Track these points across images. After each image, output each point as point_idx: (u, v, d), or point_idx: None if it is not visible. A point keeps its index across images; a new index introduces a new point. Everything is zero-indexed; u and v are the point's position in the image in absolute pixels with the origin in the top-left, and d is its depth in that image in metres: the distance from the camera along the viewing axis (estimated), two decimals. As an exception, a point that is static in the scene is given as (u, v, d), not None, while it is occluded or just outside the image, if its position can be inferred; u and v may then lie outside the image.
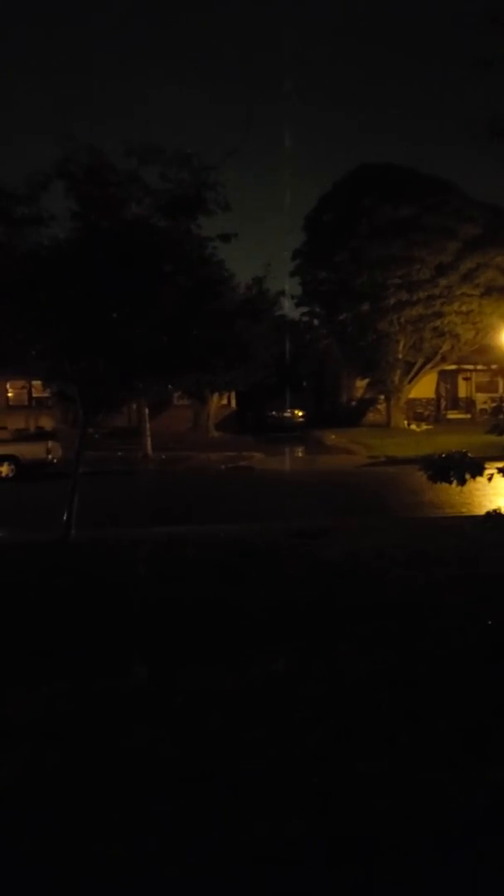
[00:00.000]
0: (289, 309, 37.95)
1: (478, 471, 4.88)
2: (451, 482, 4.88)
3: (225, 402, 38.02)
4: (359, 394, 38.46)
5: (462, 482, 4.87)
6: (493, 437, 5.37)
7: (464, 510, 12.54)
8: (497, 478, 5.26)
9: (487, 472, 4.99)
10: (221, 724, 3.94)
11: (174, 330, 9.90)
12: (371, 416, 37.17)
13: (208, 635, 5.52)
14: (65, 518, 10.18)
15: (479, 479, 5.04)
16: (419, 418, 36.93)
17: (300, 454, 27.73)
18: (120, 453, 25.80)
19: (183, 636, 5.50)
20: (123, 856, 2.84)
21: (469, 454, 5.18)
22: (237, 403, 39.05)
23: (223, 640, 5.36)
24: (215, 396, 34.72)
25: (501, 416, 5.35)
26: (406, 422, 35.45)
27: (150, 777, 3.42)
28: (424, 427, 34.49)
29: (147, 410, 27.03)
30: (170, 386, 21.43)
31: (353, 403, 38.56)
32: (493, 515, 5.07)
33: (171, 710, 4.14)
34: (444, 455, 4.97)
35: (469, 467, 4.84)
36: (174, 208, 9.60)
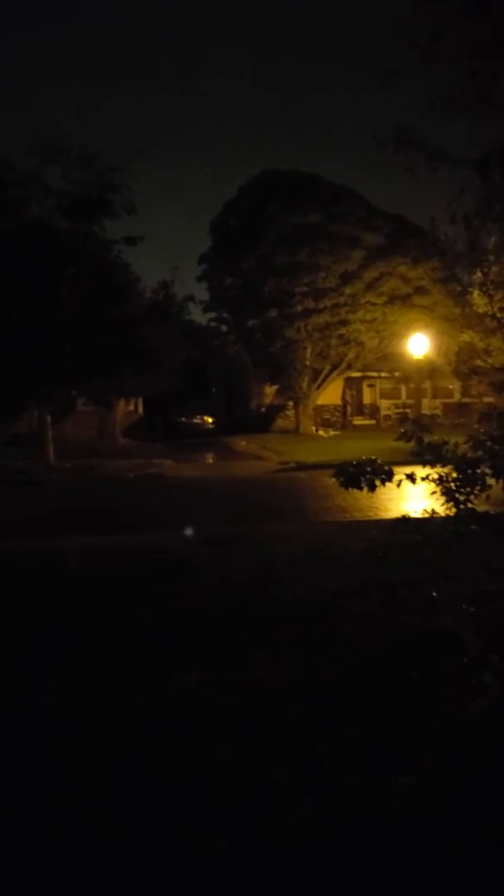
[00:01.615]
0: (197, 314, 37.96)
1: (388, 477, 4.93)
2: (361, 488, 4.91)
3: (132, 408, 37.51)
4: (268, 400, 38.81)
5: (372, 489, 4.91)
6: (397, 443, 5.45)
7: (371, 514, 12.76)
8: (404, 482, 5.33)
9: (397, 477, 5.04)
10: (134, 742, 3.79)
11: (78, 334, 9.64)
12: (280, 422, 37.57)
13: (118, 651, 5.33)
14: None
15: (387, 484, 5.10)
16: (327, 424, 37.62)
17: (211, 461, 27.65)
18: (20, 462, 24.89)
19: (91, 653, 5.29)
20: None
21: (378, 460, 5.24)
22: (145, 409, 38.61)
23: (134, 655, 5.19)
24: (122, 402, 34.18)
25: (409, 424, 5.47)
26: (314, 428, 36.01)
27: (58, 801, 3.23)
28: (332, 433, 35.13)
29: (49, 417, 26.23)
30: (74, 392, 20.89)
31: (263, 409, 38.88)
32: (402, 520, 5.13)
33: (81, 730, 3.96)
34: (355, 462, 4.99)
35: (380, 474, 4.88)
36: (77, 210, 9.37)
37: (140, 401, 37.69)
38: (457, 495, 5.05)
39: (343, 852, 2.82)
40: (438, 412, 37.60)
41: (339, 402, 39.82)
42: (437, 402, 38.78)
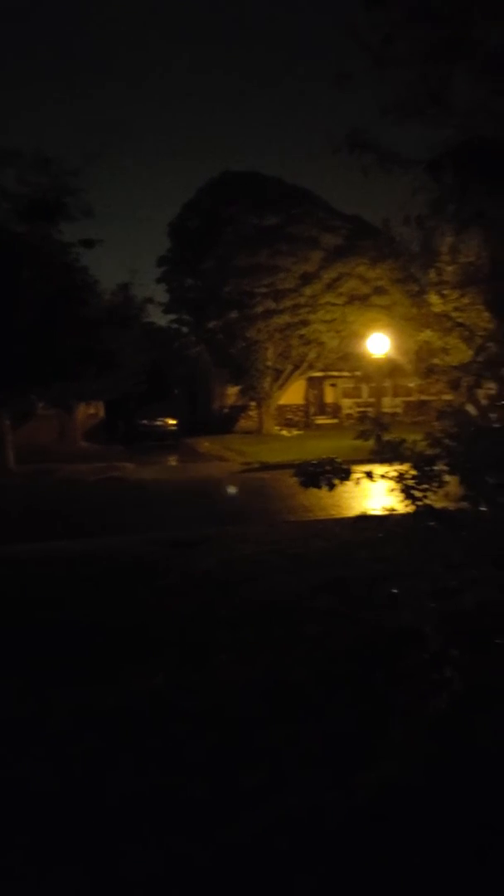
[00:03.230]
0: (157, 316, 37.78)
1: (346, 476, 4.98)
2: (321, 487, 4.96)
3: (93, 411, 37.19)
4: (231, 401, 38.81)
5: (331, 487, 4.97)
6: (358, 442, 5.51)
7: (334, 513, 12.86)
8: (364, 480, 5.39)
9: (355, 475, 5.10)
10: (100, 745, 3.77)
11: (36, 337, 9.54)
12: (243, 423, 37.60)
13: (82, 655, 5.29)
14: None
15: (347, 482, 5.16)
16: (289, 424, 37.75)
17: (173, 463, 27.54)
18: (-20, 467, 24.53)
19: (56, 657, 5.24)
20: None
21: (338, 459, 5.29)
22: (107, 412, 38.30)
23: (98, 658, 5.16)
24: (83, 406, 33.87)
25: (367, 423, 5.54)
26: (277, 427, 36.11)
27: (26, 807, 3.20)
28: (295, 432, 35.26)
29: (8, 421, 25.87)
30: (33, 396, 20.65)
31: (226, 410, 38.86)
32: (363, 518, 5.20)
33: (46, 733, 3.93)
34: (314, 462, 5.04)
35: (337, 473, 4.93)
36: (33, 213, 9.27)
37: (101, 404, 37.38)
38: (414, 492, 5.13)
39: (305, 849, 2.85)
40: (399, 410, 38.03)
41: (301, 401, 40.00)
42: (399, 400, 39.20)
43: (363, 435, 5.15)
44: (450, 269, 19.53)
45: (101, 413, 38.15)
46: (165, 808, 3.18)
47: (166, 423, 41.20)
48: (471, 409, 5.90)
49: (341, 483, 5.00)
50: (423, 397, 33.25)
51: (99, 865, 2.83)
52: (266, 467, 22.18)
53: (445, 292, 21.43)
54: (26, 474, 24.04)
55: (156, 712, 4.18)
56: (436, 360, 25.92)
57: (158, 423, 40.81)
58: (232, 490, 9.61)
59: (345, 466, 5.14)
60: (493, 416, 5.87)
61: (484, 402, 6.01)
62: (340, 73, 6.93)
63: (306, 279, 32.39)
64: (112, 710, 4.20)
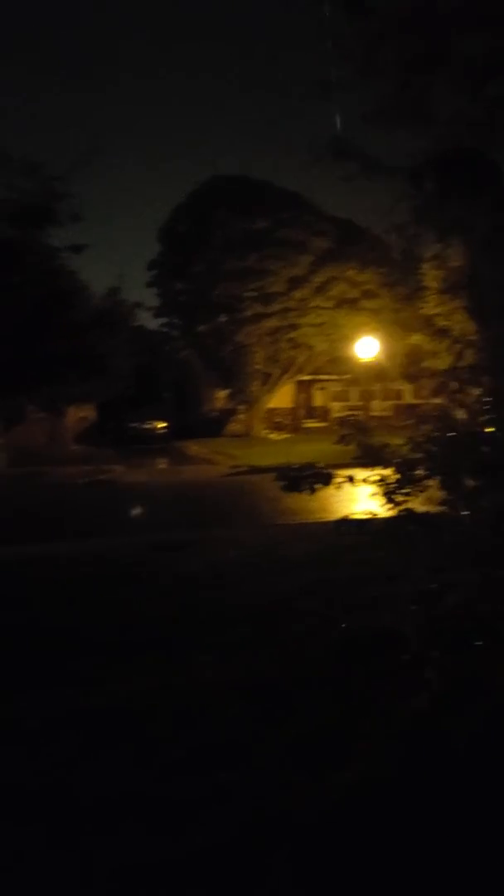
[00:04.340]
0: (147, 320, 37.78)
1: (327, 481, 5.05)
2: (302, 492, 5.03)
3: (84, 414, 37.20)
4: (220, 404, 38.87)
5: (312, 492, 5.03)
6: (345, 446, 5.57)
7: (319, 516, 12.92)
8: (347, 484, 5.46)
9: (336, 480, 5.17)
10: (77, 745, 3.83)
11: (24, 342, 9.58)
12: (232, 427, 37.64)
13: (64, 656, 5.34)
14: None
15: (329, 487, 5.22)
16: (278, 427, 37.83)
17: (162, 466, 27.59)
18: (-30, 471, 24.55)
19: (37, 660, 5.29)
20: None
21: (321, 463, 5.35)
22: (97, 416, 38.30)
23: (80, 660, 5.21)
24: (73, 409, 33.87)
25: (348, 427, 5.63)
26: (266, 431, 36.19)
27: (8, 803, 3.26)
28: (284, 436, 35.36)
29: None
30: (23, 400, 20.66)
31: (215, 414, 38.92)
32: (345, 521, 5.26)
33: (24, 735, 3.98)
34: (296, 467, 5.11)
35: (318, 478, 5.00)
36: (21, 218, 9.31)
37: (93, 407, 37.39)
38: (395, 496, 5.19)
39: (278, 849, 2.91)
40: (389, 413, 38.18)
41: (290, 405, 40.10)
42: (388, 403, 39.35)
43: (344, 439, 5.22)
44: (433, 274, 19.71)
45: (93, 416, 38.14)
46: (138, 807, 3.24)
47: (156, 427, 41.22)
48: (460, 413, 5.96)
49: (323, 487, 5.06)
50: (413, 401, 33.39)
51: (70, 859, 2.88)
52: (254, 471, 22.17)
53: (431, 298, 21.63)
54: (17, 477, 24.06)
55: (134, 713, 4.23)
56: (426, 364, 26.12)
57: (148, 426, 40.83)
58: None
59: (326, 471, 5.20)
60: (477, 420, 5.94)
61: (467, 407, 6.08)
62: (323, 81, 7.03)
63: (295, 283, 32.50)
64: (90, 712, 4.25)
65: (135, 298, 29.03)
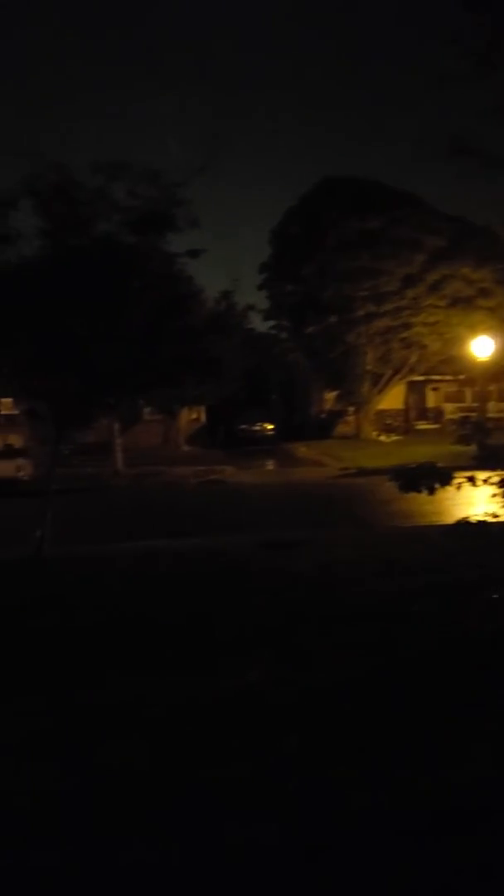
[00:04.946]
0: (257, 322, 38.15)
1: (446, 480, 4.99)
2: (420, 492, 4.99)
3: (195, 416, 38.03)
4: (328, 406, 38.73)
5: (431, 492, 4.98)
6: (461, 447, 5.50)
7: (433, 519, 12.68)
8: (466, 486, 5.36)
9: (456, 481, 5.10)
10: (197, 733, 3.97)
11: (144, 346, 9.94)
12: (341, 428, 37.41)
13: (182, 647, 5.54)
14: (38, 535, 10.12)
15: (448, 488, 5.15)
16: (388, 429, 37.26)
17: (271, 467, 27.82)
18: (90, 469, 25.63)
19: (157, 649, 5.52)
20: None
21: (438, 464, 5.30)
22: (207, 417, 39.07)
23: (197, 652, 5.39)
24: (185, 411, 34.70)
25: (468, 427, 5.48)
26: (375, 433, 35.76)
27: (130, 787, 3.43)
28: (394, 438, 34.83)
29: (117, 426, 26.93)
30: (140, 402, 21.40)
31: (323, 415, 38.81)
32: (463, 524, 5.18)
33: (147, 722, 4.16)
34: (414, 466, 5.08)
35: (438, 477, 4.95)
36: (142, 225, 9.66)
37: (202, 409, 38.18)
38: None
39: (400, 841, 2.93)
40: (506, 415, 36.86)
41: (401, 406, 39.42)
42: (505, 404, 38.03)
43: (463, 440, 5.15)
44: None
45: (203, 418, 38.94)
46: (257, 794, 3.32)
47: (264, 428, 41.56)
48: None
49: (441, 488, 5.00)
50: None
51: (194, 839, 3.00)
52: (364, 472, 22.03)
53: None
54: (133, 476, 24.97)
55: (252, 705, 4.33)
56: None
57: (257, 427, 41.21)
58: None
59: (446, 471, 5.14)
60: None
61: None
62: (442, 76, 6.95)
63: (408, 282, 31.98)
64: (211, 702, 4.38)
65: (244, 301, 29.35)
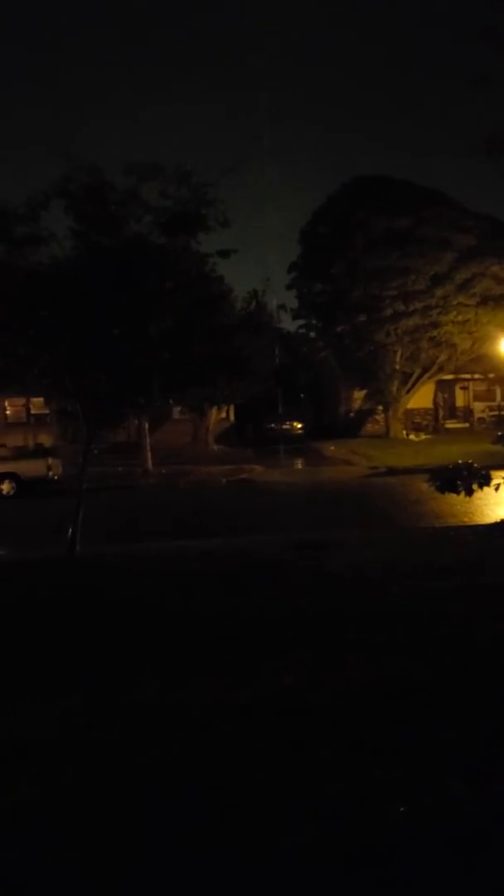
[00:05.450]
0: (286, 322, 38.11)
1: (485, 481, 4.93)
2: (458, 493, 4.94)
3: (224, 415, 38.08)
4: (357, 405, 38.56)
5: (470, 493, 4.93)
6: (492, 447, 5.44)
7: (466, 520, 12.54)
8: (501, 487, 5.30)
9: (494, 481, 5.04)
10: (235, 736, 3.95)
11: (175, 345, 9.98)
12: (369, 427, 37.25)
13: (217, 648, 5.54)
14: (70, 534, 10.21)
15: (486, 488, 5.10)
16: (417, 428, 37.00)
17: (300, 466, 27.77)
18: (120, 468, 25.81)
19: (192, 649, 5.52)
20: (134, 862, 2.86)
21: (474, 464, 5.25)
22: (236, 416, 39.11)
23: (232, 653, 5.38)
24: (214, 410, 34.77)
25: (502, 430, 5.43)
26: (404, 432, 35.54)
27: (161, 788, 3.43)
28: (423, 437, 34.57)
29: (147, 425, 27.08)
30: (170, 401, 21.50)
31: (352, 414, 38.66)
32: (502, 524, 5.11)
33: (185, 724, 4.16)
34: (451, 467, 5.03)
35: (477, 478, 4.89)
36: (174, 225, 9.70)
37: (231, 408, 38.23)
38: None
39: (428, 846, 2.89)
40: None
41: (430, 405, 39.11)
42: (537, 403, 37.59)
43: (501, 440, 5.09)
44: None
45: (232, 417, 38.99)
46: (294, 799, 3.30)
47: (293, 427, 41.54)
48: None
49: (480, 489, 4.95)
50: None
51: (233, 848, 2.99)
52: (393, 472, 21.91)
53: None
54: (162, 475, 25.09)
55: (287, 706, 4.30)
56: None
57: (286, 426, 41.21)
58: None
59: (485, 471, 5.08)
60: None
61: None
62: (478, 74, 6.86)
63: (437, 280, 31.75)
64: (245, 703, 4.37)
65: (276, 301, 29.34)
